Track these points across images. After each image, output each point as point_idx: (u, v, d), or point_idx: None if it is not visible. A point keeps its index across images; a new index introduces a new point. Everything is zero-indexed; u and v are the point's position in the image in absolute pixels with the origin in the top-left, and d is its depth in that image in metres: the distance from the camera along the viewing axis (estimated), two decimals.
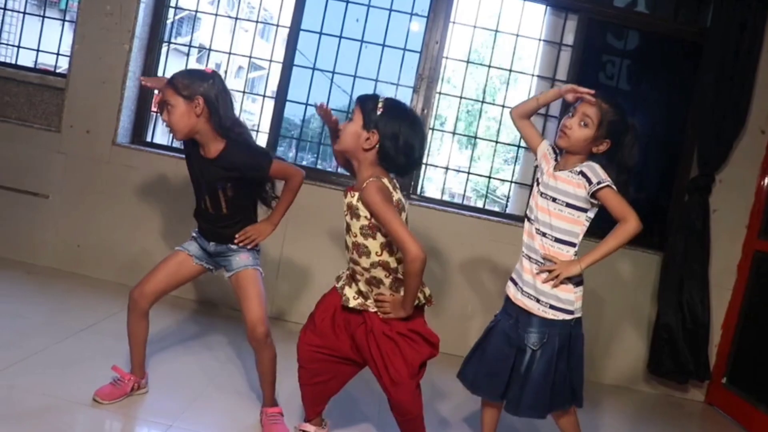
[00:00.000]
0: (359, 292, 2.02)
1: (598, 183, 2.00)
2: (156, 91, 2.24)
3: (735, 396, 3.49)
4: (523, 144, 3.86)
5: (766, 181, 3.57)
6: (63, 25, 3.80)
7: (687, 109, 3.65)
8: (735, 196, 3.60)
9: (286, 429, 2.24)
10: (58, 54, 3.84)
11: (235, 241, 2.21)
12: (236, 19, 3.77)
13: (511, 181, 3.89)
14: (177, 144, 3.65)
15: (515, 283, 2.15)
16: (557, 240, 2.07)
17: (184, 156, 2.31)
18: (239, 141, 2.18)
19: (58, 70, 3.85)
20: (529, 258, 2.10)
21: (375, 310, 1.99)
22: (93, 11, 3.61)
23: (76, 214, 3.70)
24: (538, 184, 2.14)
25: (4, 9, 3.82)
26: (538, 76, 3.81)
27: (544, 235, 2.08)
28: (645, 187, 3.86)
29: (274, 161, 2.19)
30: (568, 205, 2.06)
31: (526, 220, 2.16)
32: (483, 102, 3.97)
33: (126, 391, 2.26)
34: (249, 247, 2.23)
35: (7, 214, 3.71)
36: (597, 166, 2.05)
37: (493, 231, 3.61)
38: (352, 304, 2.01)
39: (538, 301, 2.07)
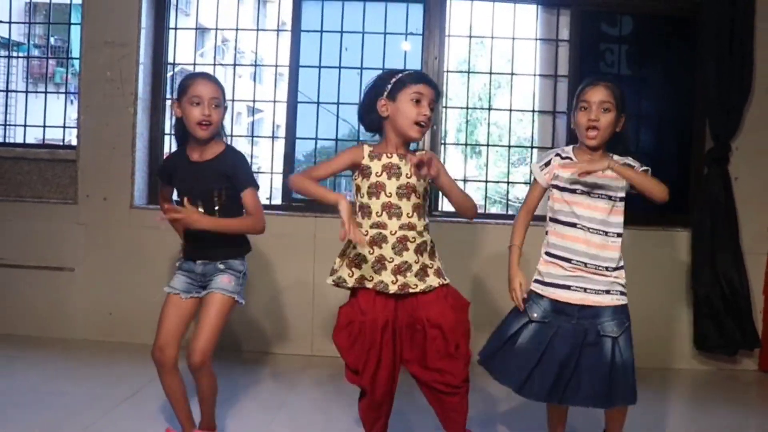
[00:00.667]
0: (397, 272, 2.02)
1: (641, 166, 2.09)
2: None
3: None
4: (535, 144, 3.92)
5: None
6: (66, 98, 3.84)
7: (692, 83, 3.70)
8: (754, 160, 3.63)
9: None
10: (64, 127, 3.88)
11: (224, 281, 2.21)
12: (234, 65, 3.82)
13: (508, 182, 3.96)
14: None
15: (568, 288, 2.11)
16: (606, 234, 2.10)
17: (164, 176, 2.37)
18: (237, 150, 2.29)
19: (66, 143, 3.89)
20: (586, 264, 2.10)
21: (417, 289, 2.02)
22: (94, 80, 3.66)
23: (104, 282, 3.71)
24: (574, 192, 2.12)
25: (7, 90, 3.87)
26: (539, 75, 3.86)
27: (605, 234, 2.10)
28: (663, 167, 3.89)
29: (255, 190, 2.26)
30: (621, 199, 2.11)
31: (571, 227, 2.13)
32: (490, 109, 4.01)
33: None
34: (167, 217, 2.18)
35: (34, 292, 3.72)
36: (632, 159, 2.13)
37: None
38: (392, 289, 2.01)
39: (608, 293, 2.10)
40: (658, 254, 3.66)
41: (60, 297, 3.72)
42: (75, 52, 3.84)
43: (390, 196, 2.00)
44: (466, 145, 4.03)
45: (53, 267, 3.71)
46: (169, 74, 3.84)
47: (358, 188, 2.07)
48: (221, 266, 2.23)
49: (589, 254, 2.10)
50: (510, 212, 3.97)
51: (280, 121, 3.89)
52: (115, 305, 3.72)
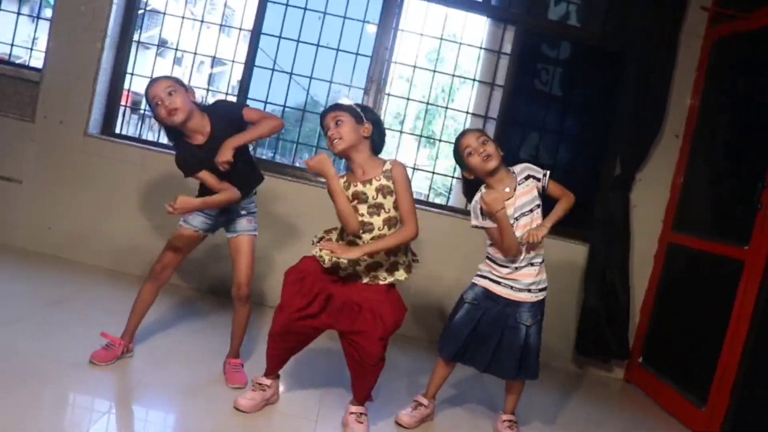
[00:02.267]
0: (369, 269, 2.40)
1: (544, 174, 2.62)
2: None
3: (650, 374, 3.96)
4: None
5: (679, 180, 4.05)
6: (36, 21, 4.16)
7: (611, 113, 4.12)
8: (653, 193, 4.09)
9: (246, 377, 2.69)
10: (31, 49, 4.21)
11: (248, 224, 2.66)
12: (201, 21, 4.16)
13: (454, 177, 4.37)
14: (149, 136, 4.05)
15: (497, 283, 2.63)
16: None
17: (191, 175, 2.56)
18: (212, 108, 2.58)
19: (31, 64, 4.22)
20: (517, 268, 2.60)
21: (386, 282, 2.40)
22: (68, 10, 4.00)
23: (48, 199, 4.08)
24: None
25: None
26: (479, 81, 4.26)
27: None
28: (574, 184, 4.30)
29: (245, 107, 2.60)
30: (538, 205, 2.61)
31: None
32: (428, 104, 4.41)
33: (117, 354, 2.62)
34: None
35: None
36: (530, 165, 2.66)
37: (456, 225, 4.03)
38: (365, 279, 2.40)
39: (529, 291, 2.62)
40: (558, 262, 4.03)
41: (3, 205, 4.08)
42: None
43: (363, 216, 2.37)
44: (400, 132, 4.43)
45: (2, 177, 4.06)
46: (140, 11, 4.17)
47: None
48: (243, 211, 2.66)
49: (524, 258, 2.60)
50: (450, 204, 4.39)
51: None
52: (55, 221, 4.08)
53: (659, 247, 4.11)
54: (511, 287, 2.62)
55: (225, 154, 2.43)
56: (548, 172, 2.63)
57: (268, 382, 2.56)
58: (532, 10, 4.19)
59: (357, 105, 2.46)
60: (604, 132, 4.19)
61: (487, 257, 2.69)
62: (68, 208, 4.06)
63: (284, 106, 4.26)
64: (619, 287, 4.01)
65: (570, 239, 4.12)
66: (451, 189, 4.53)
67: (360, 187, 2.37)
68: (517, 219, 2.58)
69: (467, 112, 4.29)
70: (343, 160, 2.46)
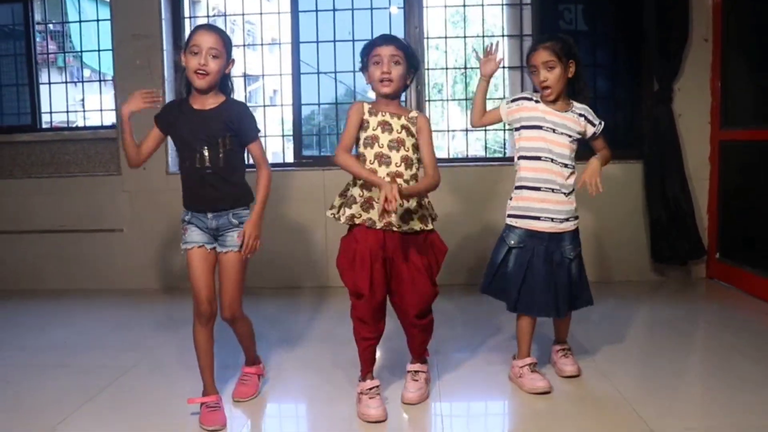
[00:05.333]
0: (402, 219, 2.38)
1: (600, 122, 2.65)
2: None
3: (728, 266, 4.37)
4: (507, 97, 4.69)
5: (717, 82, 4.39)
6: (100, 84, 4.66)
7: (639, 34, 4.44)
8: (694, 99, 4.44)
9: (250, 391, 2.62)
10: (101, 110, 4.71)
11: (238, 240, 2.39)
12: (244, 46, 4.60)
13: (504, 129, 4.74)
14: None
15: (538, 219, 2.59)
16: (566, 166, 2.59)
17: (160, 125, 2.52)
18: (239, 101, 2.50)
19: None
20: (553, 190, 2.58)
21: (401, 229, 2.38)
22: (126, 67, 4.51)
23: (148, 239, 4.62)
24: (540, 128, 2.57)
25: (50, 83, 4.72)
26: (507, 35, 4.62)
27: (565, 166, 2.58)
28: (617, 108, 4.67)
29: (259, 140, 2.46)
30: (574, 139, 2.60)
31: (537, 160, 2.59)
32: (466, 68, 4.79)
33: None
34: (247, 252, 2.38)
35: (92, 251, 4.67)
36: (590, 110, 2.65)
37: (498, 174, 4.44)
38: (379, 225, 2.36)
39: (567, 220, 2.61)
40: (618, 183, 4.46)
41: (113, 254, 4.65)
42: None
43: (382, 147, 2.37)
44: (447, 100, 4.84)
45: (106, 229, 4.63)
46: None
47: (357, 139, 2.41)
48: (234, 220, 2.42)
49: (555, 182, 2.58)
50: (508, 155, 4.77)
51: (277, 87, 4.65)
52: (159, 258, 4.60)
53: (711, 148, 4.46)
54: (552, 219, 2.59)
55: (255, 232, 2.38)
56: (603, 123, 2.66)
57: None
58: None
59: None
60: (635, 54, 4.52)
61: (517, 187, 2.66)
62: (168, 243, 4.57)
63: (336, 103, 4.69)
64: (679, 194, 4.39)
65: (625, 160, 4.48)
66: (504, 144, 4.92)
67: (388, 117, 2.39)
68: (553, 131, 2.56)
69: (503, 67, 4.64)
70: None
